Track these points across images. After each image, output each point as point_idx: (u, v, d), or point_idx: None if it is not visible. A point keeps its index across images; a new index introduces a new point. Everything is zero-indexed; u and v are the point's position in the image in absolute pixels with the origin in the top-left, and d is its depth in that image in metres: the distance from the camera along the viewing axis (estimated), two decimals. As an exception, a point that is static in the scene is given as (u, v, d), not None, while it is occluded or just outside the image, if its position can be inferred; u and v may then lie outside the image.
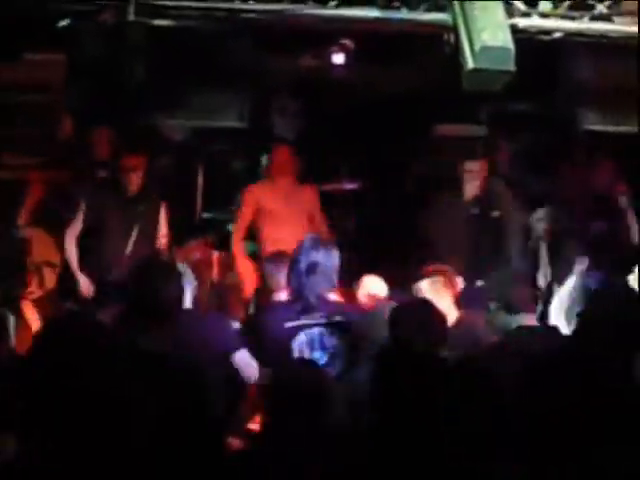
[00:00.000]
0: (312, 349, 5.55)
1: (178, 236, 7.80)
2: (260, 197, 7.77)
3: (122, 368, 3.19)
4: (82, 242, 7.21)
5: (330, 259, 5.73)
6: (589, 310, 3.91)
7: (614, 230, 7.64)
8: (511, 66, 5.73)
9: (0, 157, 7.54)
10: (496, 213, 7.88)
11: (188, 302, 5.50)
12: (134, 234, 7.15)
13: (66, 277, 7.23)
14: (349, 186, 8.87)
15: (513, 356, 4.29)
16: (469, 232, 7.78)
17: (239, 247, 7.84)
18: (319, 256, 5.68)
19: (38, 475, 2.97)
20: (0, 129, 7.46)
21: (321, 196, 8.16)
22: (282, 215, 7.65)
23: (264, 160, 8.61)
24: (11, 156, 7.57)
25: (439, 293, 5.87)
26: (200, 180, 8.60)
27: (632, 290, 4.44)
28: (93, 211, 7.21)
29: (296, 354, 5.50)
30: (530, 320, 4.61)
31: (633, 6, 6.46)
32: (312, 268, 5.65)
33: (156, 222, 7.34)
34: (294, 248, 5.87)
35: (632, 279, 6.30)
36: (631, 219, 7.74)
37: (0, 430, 3.28)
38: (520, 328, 4.59)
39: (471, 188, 7.86)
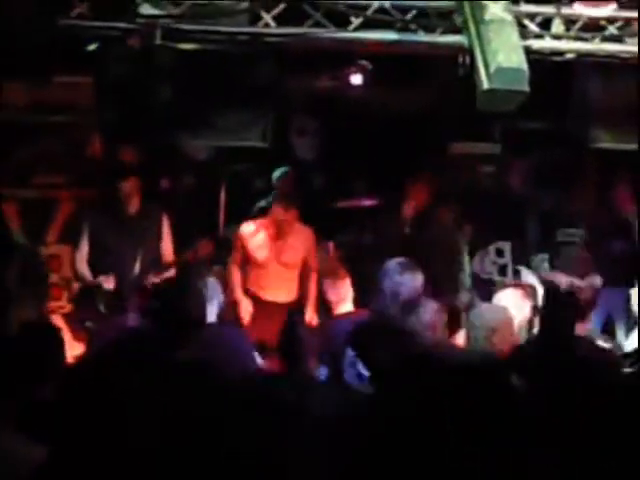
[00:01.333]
0: None
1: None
2: (250, 245, 7.60)
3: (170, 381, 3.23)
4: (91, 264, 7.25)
5: (413, 282, 6.00)
6: None
7: (633, 248, 7.75)
8: (525, 86, 5.79)
9: (30, 176, 7.74)
10: None
11: (213, 315, 5.66)
12: (140, 252, 7.20)
13: (81, 297, 7.28)
14: (366, 202, 8.95)
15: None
16: None
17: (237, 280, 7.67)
18: (403, 282, 5.96)
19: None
20: (30, 149, 7.68)
21: (339, 212, 8.23)
22: (270, 268, 7.56)
23: (275, 175, 8.66)
24: (41, 175, 7.76)
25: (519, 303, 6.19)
26: (223, 198, 8.72)
27: None
28: (97, 233, 7.26)
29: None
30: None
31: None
32: (395, 295, 5.92)
33: (160, 236, 7.37)
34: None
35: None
36: None
37: (30, 438, 3.36)
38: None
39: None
